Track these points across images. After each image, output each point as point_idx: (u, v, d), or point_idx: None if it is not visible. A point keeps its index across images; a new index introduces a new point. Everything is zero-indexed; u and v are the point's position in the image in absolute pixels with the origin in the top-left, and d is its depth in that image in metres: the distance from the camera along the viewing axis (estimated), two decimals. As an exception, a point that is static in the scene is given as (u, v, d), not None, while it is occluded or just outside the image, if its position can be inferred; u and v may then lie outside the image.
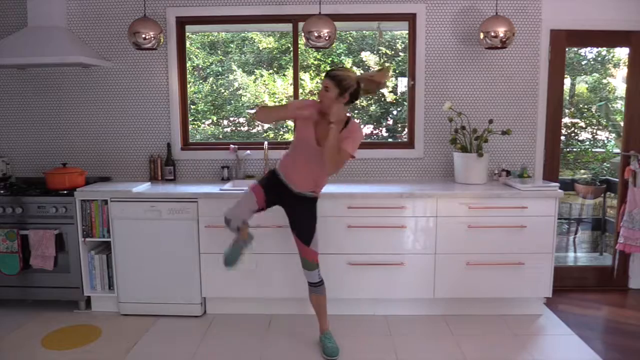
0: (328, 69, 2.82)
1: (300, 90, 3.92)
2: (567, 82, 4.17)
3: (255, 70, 6.01)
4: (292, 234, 2.78)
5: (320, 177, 2.71)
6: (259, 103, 2.67)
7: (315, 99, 2.78)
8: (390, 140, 5.82)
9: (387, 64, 2.58)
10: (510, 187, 3.25)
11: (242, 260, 2.78)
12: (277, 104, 2.62)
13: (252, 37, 6.03)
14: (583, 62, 4.42)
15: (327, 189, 2.93)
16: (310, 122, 2.61)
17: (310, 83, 5.80)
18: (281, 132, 5.88)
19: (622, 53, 4.10)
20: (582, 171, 4.51)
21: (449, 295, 3.21)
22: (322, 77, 2.62)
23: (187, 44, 3.86)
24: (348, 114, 2.67)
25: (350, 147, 2.55)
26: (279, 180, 2.71)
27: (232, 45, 6.21)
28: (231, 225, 2.71)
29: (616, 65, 4.32)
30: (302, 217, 2.74)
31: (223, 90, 6.14)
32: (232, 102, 6.08)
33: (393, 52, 5.91)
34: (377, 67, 2.63)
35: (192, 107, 5.61)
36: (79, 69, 3.70)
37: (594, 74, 4.45)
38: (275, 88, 5.90)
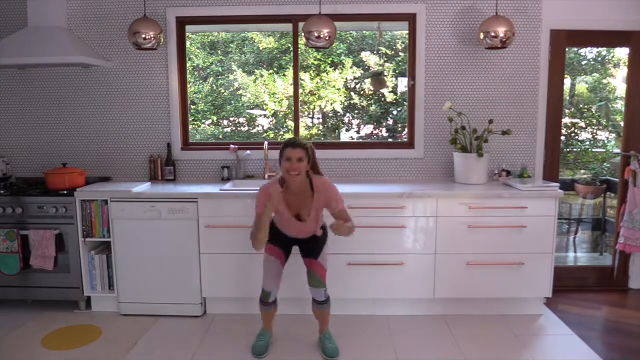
0: (287, 138, 2.80)
1: (300, 90, 3.92)
2: (567, 82, 4.17)
3: (255, 70, 6.02)
4: (302, 259, 2.79)
5: (315, 228, 2.69)
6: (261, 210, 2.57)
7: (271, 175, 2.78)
8: (390, 140, 5.83)
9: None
10: (510, 187, 3.25)
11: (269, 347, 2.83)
12: (253, 225, 2.57)
13: (252, 37, 6.03)
14: (583, 62, 4.42)
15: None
16: (280, 204, 2.56)
17: (310, 83, 5.80)
18: (281, 133, 5.89)
19: (622, 53, 4.10)
20: (582, 171, 4.51)
21: (449, 295, 3.21)
22: (283, 150, 2.53)
23: (187, 44, 3.86)
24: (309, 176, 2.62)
25: (341, 203, 2.57)
26: (284, 235, 2.72)
27: (232, 45, 6.21)
28: (271, 297, 2.75)
29: (616, 65, 4.32)
30: (314, 245, 2.75)
31: (223, 90, 6.14)
32: (232, 102, 6.08)
33: (393, 52, 5.91)
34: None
35: (192, 107, 5.61)
36: (79, 69, 3.70)
37: (594, 74, 4.46)
38: (275, 88, 5.90)
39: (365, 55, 5.99)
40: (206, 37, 6.07)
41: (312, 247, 2.74)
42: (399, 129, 5.72)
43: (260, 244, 2.54)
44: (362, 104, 6.14)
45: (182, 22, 3.68)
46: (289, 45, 5.27)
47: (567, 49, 3.65)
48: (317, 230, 2.71)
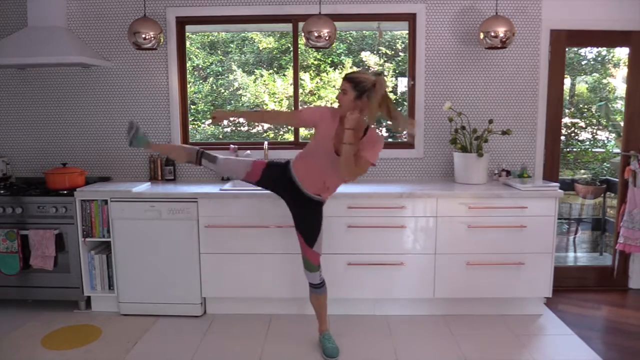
0: (347, 72, 2.79)
1: (300, 90, 3.92)
2: (567, 82, 4.17)
3: (255, 70, 6.02)
4: (296, 232, 2.75)
5: (332, 182, 2.65)
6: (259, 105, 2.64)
7: (319, 105, 2.74)
8: (390, 140, 5.83)
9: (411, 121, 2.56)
10: (510, 187, 3.25)
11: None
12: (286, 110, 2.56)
13: (252, 37, 6.04)
14: (583, 62, 4.43)
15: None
16: (331, 130, 2.54)
17: (310, 83, 5.81)
18: (281, 133, 5.89)
19: (622, 53, 4.11)
20: (582, 171, 4.51)
21: (449, 295, 3.21)
22: (340, 80, 2.56)
23: (187, 44, 3.86)
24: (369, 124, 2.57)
25: (369, 155, 2.46)
26: (288, 174, 2.64)
27: (232, 45, 6.21)
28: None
29: (616, 65, 4.32)
30: (307, 218, 2.70)
31: (223, 90, 6.14)
32: (232, 102, 6.08)
33: (393, 52, 5.91)
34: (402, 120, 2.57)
35: (192, 107, 5.61)
36: (79, 69, 3.70)
37: (594, 74, 4.46)
38: (275, 88, 5.90)
39: (365, 55, 6.00)
40: (206, 37, 6.07)
41: (306, 217, 2.68)
42: (399, 129, 5.71)
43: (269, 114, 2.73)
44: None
45: (182, 22, 3.68)
46: (289, 45, 5.27)
47: (567, 49, 3.65)
48: (325, 193, 2.66)
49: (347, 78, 2.52)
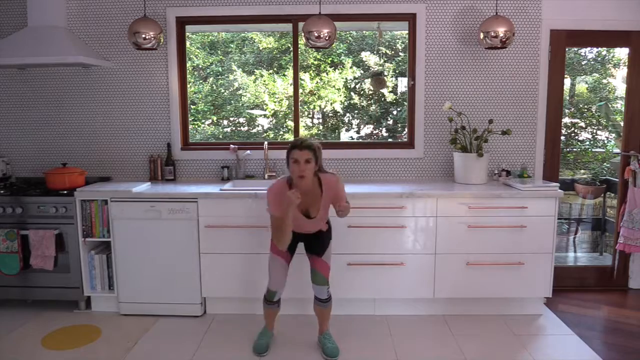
0: (293, 139, 2.77)
1: (300, 90, 3.92)
2: (567, 82, 4.17)
3: (255, 70, 6.02)
4: (306, 255, 2.78)
5: (323, 222, 2.70)
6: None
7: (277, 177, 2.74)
8: (390, 140, 5.83)
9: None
10: (510, 187, 3.25)
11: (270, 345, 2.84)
12: (272, 229, 2.61)
13: (252, 37, 6.03)
14: (583, 62, 4.43)
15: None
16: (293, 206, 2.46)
17: (310, 83, 5.81)
18: (281, 133, 5.89)
19: (622, 53, 4.11)
20: (582, 171, 4.51)
21: (449, 295, 3.21)
22: (290, 152, 2.49)
23: (187, 44, 3.86)
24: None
25: (344, 196, 2.59)
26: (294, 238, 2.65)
27: (232, 45, 6.21)
28: (276, 297, 2.75)
29: (616, 65, 4.33)
30: (319, 241, 2.74)
31: (223, 90, 6.14)
32: (232, 102, 6.09)
33: (393, 52, 5.91)
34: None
35: (192, 107, 5.61)
36: (79, 69, 3.70)
37: (594, 74, 4.46)
38: (275, 88, 5.90)
39: (365, 55, 6.00)
40: (206, 37, 6.07)
41: (318, 243, 2.73)
42: (399, 129, 5.72)
43: (286, 245, 2.56)
44: (362, 104, 6.14)
45: (182, 22, 3.68)
46: (289, 45, 5.27)
47: (567, 49, 3.65)
48: (323, 225, 2.71)
49: (307, 146, 2.47)
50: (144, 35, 3.34)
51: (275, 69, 6.01)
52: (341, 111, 6.04)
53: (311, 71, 5.85)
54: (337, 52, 5.84)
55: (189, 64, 3.93)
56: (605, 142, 4.48)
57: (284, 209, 2.46)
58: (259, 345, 2.79)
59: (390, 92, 5.83)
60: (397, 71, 5.82)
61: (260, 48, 6.05)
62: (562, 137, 3.83)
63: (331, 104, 5.89)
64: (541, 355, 2.76)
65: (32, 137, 3.79)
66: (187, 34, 3.82)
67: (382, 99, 5.90)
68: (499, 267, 3.15)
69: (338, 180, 2.61)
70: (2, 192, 3.34)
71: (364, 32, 5.80)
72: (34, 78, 3.73)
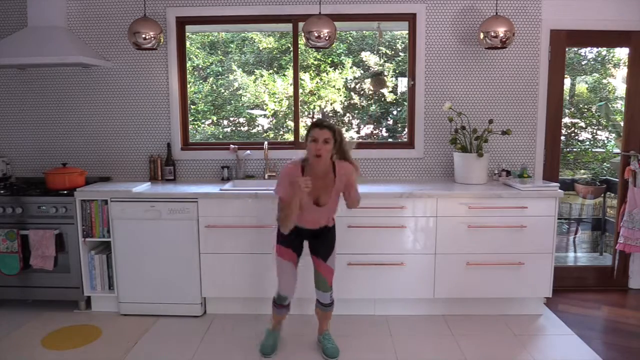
0: (315, 119, 2.73)
1: (300, 90, 3.92)
2: (567, 82, 4.17)
3: (255, 70, 6.01)
4: (311, 256, 2.76)
5: (330, 214, 2.68)
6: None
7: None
8: (390, 140, 5.83)
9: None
10: (510, 187, 3.24)
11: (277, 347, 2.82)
12: (280, 209, 2.57)
13: (252, 37, 6.03)
14: (583, 62, 4.43)
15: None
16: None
17: (310, 83, 5.80)
18: (281, 133, 5.89)
19: (622, 53, 4.11)
20: (582, 171, 4.51)
21: (449, 295, 3.21)
22: (310, 130, 2.49)
23: (187, 44, 3.86)
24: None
25: (356, 187, 2.59)
26: (294, 230, 2.61)
27: (232, 45, 6.20)
28: (287, 301, 2.74)
29: (616, 65, 4.33)
30: (322, 243, 2.72)
31: (223, 90, 6.14)
32: (232, 102, 6.08)
33: (393, 52, 5.91)
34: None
35: (192, 107, 5.61)
36: (79, 69, 3.70)
37: (594, 74, 4.46)
38: (275, 88, 5.90)
39: (365, 55, 5.99)
40: (206, 37, 6.07)
41: (322, 243, 2.70)
42: (399, 129, 5.72)
43: (288, 229, 2.54)
44: (362, 104, 6.14)
45: (182, 22, 3.68)
46: (289, 45, 5.26)
47: (567, 49, 3.65)
48: (330, 219, 2.69)
49: (328, 126, 2.47)
50: (144, 35, 3.34)
51: (275, 69, 6.01)
52: (341, 111, 6.04)
53: (311, 71, 5.85)
54: (337, 52, 5.84)
55: (189, 64, 3.93)
56: (605, 142, 4.48)
57: (290, 193, 2.43)
58: (267, 346, 2.78)
59: (390, 92, 5.83)
60: (397, 71, 5.82)
61: (260, 48, 6.04)
62: (562, 137, 3.83)
63: (331, 104, 5.89)
64: (541, 355, 2.76)
65: (32, 137, 3.79)
66: (187, 34, 3.82)
67: (382, 99, 5.90)
68: (499, 267, 3.15)
69: (354, 169, 2.58)
70: (2, 192, 3.34)
71: (364, 32, 5.79)
72: (34, 78, 3.73)
